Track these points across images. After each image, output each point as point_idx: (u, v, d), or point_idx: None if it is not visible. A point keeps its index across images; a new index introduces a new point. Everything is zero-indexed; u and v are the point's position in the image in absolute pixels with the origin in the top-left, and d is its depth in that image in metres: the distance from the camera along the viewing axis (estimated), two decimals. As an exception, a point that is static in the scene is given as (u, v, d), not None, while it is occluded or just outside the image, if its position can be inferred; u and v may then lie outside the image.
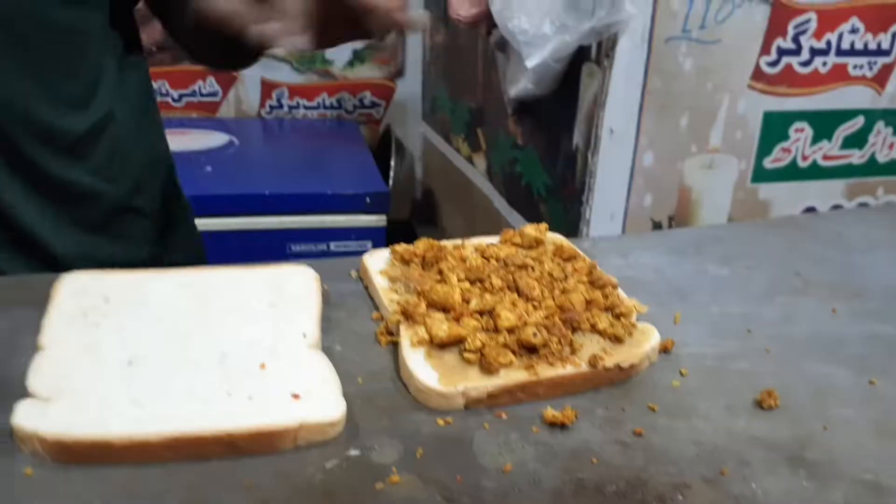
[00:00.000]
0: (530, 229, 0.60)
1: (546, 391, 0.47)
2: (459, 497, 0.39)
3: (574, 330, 0.50)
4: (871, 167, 1.39)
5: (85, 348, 0.45)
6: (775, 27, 1.24)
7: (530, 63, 1.24)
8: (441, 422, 0.44)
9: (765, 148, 1.32)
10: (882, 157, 1.39)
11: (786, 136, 1.32)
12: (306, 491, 0.39)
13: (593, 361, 0.47)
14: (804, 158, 1.35)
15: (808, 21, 1.25)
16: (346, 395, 0.44)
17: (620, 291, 0.54)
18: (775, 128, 1.31)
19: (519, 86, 1.38)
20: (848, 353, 0.52)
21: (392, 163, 2.02)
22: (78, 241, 0.64)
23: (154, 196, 0.71)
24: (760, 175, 1.33)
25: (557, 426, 0.44)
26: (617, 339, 0.49)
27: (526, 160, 1.53)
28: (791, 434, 0.45)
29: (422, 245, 0.57)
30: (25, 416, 0.40)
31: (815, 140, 1.34)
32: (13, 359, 0.45)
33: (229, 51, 0.61)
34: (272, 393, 0.43)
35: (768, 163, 1.33)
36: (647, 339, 0.50)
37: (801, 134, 1.33)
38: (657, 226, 1.32)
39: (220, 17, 0.53)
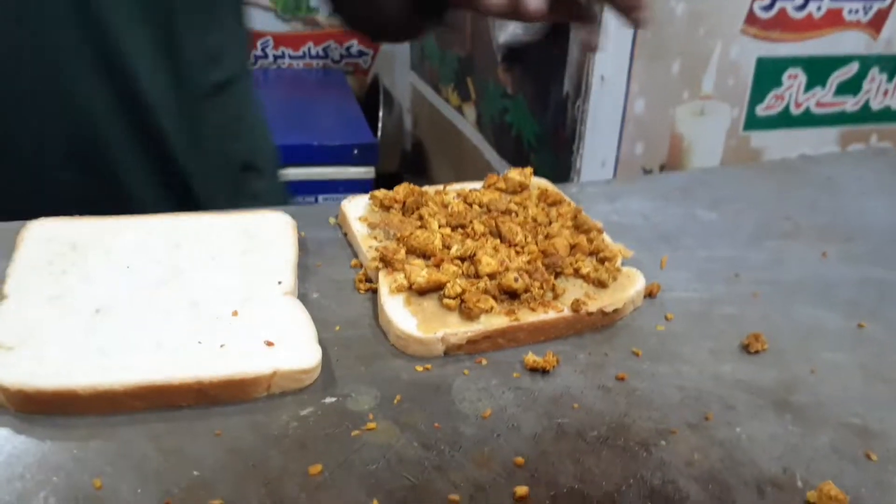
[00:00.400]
0: (514, 174, 0.58)
1: (527, 336, 0.46)
2: (437, 443, 0.38)
3: (557, 275, 0.49)
4: (865, 114, 1.37)
5: (50, 297, 0.44)
6: (770, -32, 1.21)
7: (519, 7, 1.21)
8: (420, 368, 0.43)
9: (757, 95, 1.29)
10: (876, 105, 1.37)
11: (779, 83, 1.30)
12: (280, 438, 0.38)
13: (576, 306, 0.46)
14: (797, 105, 1.33)
15: (803, -38, 1.22)
16: (322, 343, 0.43)
17: (606, 236, 0.53)
18: (768, 74, 1.28)
19: (508, 31, 1.34)
20: (837, 296, 0.51)
21: (380, 113, 1.99)
22: (224, 198, 0.66)
23: (265, 156, 0.73)
24: (753, 122, 1.31)
25: (538, 371, 0.43)
26: (600, 284, 0.48)
27: (516, 109, 1.50)
28: (777, 378, 0.44)
29: (402, 190, 0.56)
30: (-13, 366, 0.38)
31: (809, 87, 1.32)
32: (-23, 308, 0.44)
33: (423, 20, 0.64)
34: (245, 340, 0.42)
35: (761, 110, 1.31)
36: (632, 284, 0.49)
37: (794, 80, 1.31)
38: (648, 174, 1.30)
39: None
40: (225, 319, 0.43)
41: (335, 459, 0.37)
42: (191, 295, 0.45)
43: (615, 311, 0.47)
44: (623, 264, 0.51)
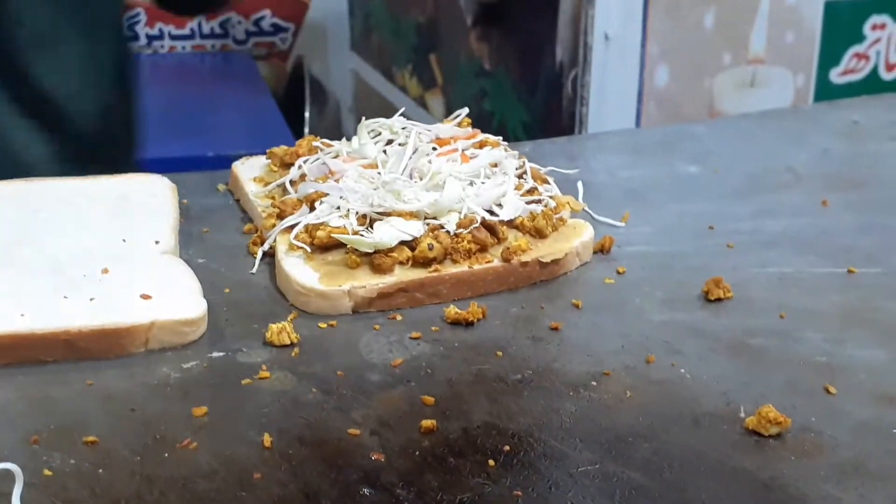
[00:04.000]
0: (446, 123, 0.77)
1: (451, 291, 0.63)
2: (338, 389, 0.55)
3: (491, 230, 0.66)
4: None
5: None
6: None
7: (485, -56, 1.41)
8: (323, 325, 0.61)
9: (830, 54, 1.49)
10: None
11: (859, 37, 1.50)
12: (160, 387, 0.55)
13: (507, 255, 0.64)
14: (889, 67, 1.52)
15: None
16: (210, 304, 0.60)
17: (554, 188, 0.71)
18: (844, 24, 1.48)
19: (476, -19, 1.55)
20: (830, 244, 0.69)
21: (306, 113, 2.19)
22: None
23: None
24: (827, 93, 1.50)
25: (461, 324, 0.61)
26: (538, 233, 0.66)
27: (496, 91, 1.70)
28: (739, 324, 0.61)
29: (306, 144, 0.74)
30: None
31: (903, 40, 1.51)
32: None
33: None
34: (117, 294, 0.59)
35: (837, 75, 1.51)
36: (578, 235, 0.67)
37: (881, 32, 1.50)
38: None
39: None
40: (94, 277, 0.61)
41: (222, 404, 0.54)
42: (53, 255, 0.62)
43: (554, 262, 0.65)
44: (577, 220, 0.69)
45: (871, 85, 1.52)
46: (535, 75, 1.56)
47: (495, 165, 0.74)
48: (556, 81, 1.50)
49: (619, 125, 1.45)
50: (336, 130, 2.32)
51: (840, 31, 1.48)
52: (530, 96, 1.59)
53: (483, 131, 0.78)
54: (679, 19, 1.42)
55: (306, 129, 2.18)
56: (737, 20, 1.44)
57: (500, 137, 0.76)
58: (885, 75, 1.52)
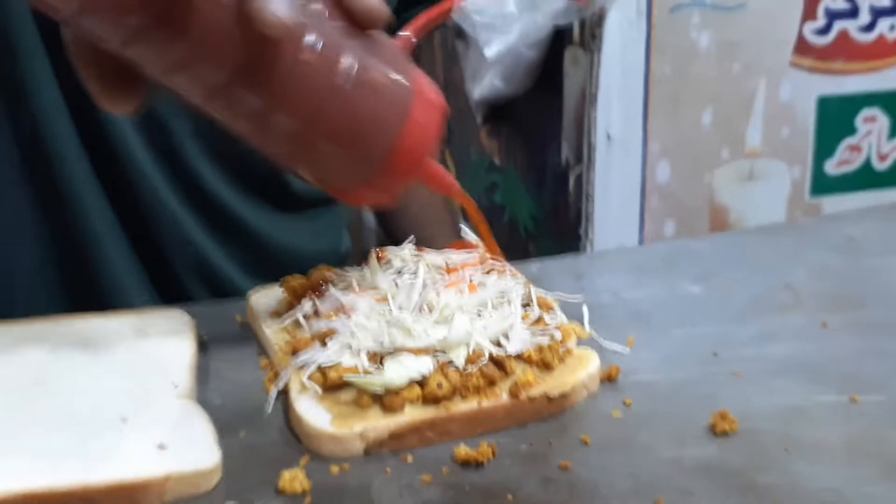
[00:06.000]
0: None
1: (461, 429, 0.61)
2: (349, 542, 0.53)
3: (499, 365, 0.64)
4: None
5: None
6: (818, -18, 1.41)
7: (491, 51, 1.41)
8: (335, 469, 0.59)
9: (825, 147, 1.49)
10: None
11: (852, 129, 1.49)
12: (174, 544, 0.53)
13: (515, 391, 0.62)
14: (881, 158, 1.51)
15: (864, -28, 1.42)
16: (225, 449, 0.59)
17: (559, 313, 0.69)
18: (836, 118, 1.48)
19: (484, 84, 1.54)
20: (833, 370, 0.67)
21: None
22: None
23: None
24: (823, 184, 1.50)
25: (471, 465, 0.59)
26: (545, 366, 0.64)
27: (507, 185, 1.69)
28: (746, 460, 0.59)
29: (318, 275, 0.72)
30: None
31: (895, 131, 1.50)
32: None
33: None
34: (134, 445, 0.57)
35: (832, 167, 1.50)
36: (584, 366, 0.65)
37: (872, 125, 1.50)
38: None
39: None
40: (112, 426, 0.59)
41: (235, 561, 0.52)
42: (71, 402, 0.61)
43: (562, 395, 0.63)
44: (580, 346, 0.67)
45: (865, 175, 1.51)
46: (542, 171, 1.56)
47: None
48: (562, 177, 1.49)
49: (623, 219, 1.45)
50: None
51: (833, 125, 1.49)
52: (539, 191, 1.58)
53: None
54: (678, 118, 1.42)
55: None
56: (733, 117, 1.45)
57: (507, 265, 0.75)
58: (878, 165, 1.51)
